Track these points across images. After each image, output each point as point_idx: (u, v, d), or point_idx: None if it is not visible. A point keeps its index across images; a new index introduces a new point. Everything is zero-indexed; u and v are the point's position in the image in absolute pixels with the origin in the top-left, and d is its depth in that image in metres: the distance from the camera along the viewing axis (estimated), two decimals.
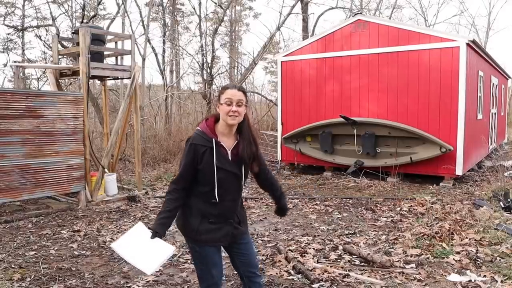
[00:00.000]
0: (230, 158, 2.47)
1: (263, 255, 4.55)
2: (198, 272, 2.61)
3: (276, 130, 11.33)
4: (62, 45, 11.43)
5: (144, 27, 15.77)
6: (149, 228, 2.48)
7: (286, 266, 4.19)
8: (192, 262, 4.35)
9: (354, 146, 9.20)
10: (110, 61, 8.76)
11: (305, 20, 17.21)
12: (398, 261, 4.22)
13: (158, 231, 2.43)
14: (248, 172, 2.60)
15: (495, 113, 12.56)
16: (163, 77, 17.32)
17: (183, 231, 2.59)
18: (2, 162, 5.85)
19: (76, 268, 4.26)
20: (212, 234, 2.50)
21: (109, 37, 8.15)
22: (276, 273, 4.03)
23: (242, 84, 17.06)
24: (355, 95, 9.34)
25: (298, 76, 10.15)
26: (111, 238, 5.22)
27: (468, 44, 8.18)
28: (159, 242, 2.42)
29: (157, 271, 4.12)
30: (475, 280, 3.77)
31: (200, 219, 2.49)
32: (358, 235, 5.29)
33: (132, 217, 6.30)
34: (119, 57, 8.19)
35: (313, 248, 4.70)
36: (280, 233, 5.42)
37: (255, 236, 5.28)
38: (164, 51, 19.06)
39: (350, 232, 5.41)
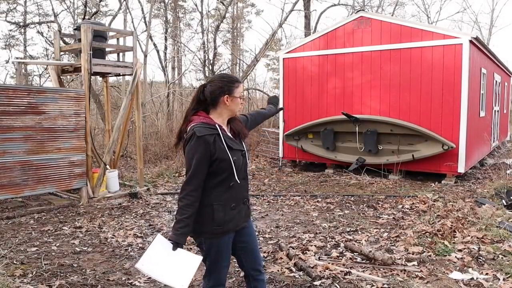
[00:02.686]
0: (233, 138, 2.54)
1: (264, 252, 4.55)
2: (207, 271, 2.55)
3: (278, 127, 11.32)
4: (64, 42, 11.42)
5: (146, 24, 15.75)
6: (169, 240, 2.37)
7: (288, 263, 4.18)
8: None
9: (356, 143, 9.18)
10: (112, 57, 8.75)
11: (307, 17, 17.17)
12: (400, 258, 4.21)
13: (180, 242, 2.35)
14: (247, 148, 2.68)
15: (497, 111, 12.52)
16: (165, 74, 17.33)
17: (206, 232, 2.46)
18: (4, 158, 5.86)
19: (77, 264, 4.27)
20: (236, 220, 2.50)
21: (111, 33, 8.14)
22: (278, 270, 4.02)
23: (244, 81, 17.06)
24: (357, 92, 9.32)
25: (300, 73, 10.12)
26: (113, 235, 5.23)
27: (471, 41, 8.14)
28: (183, 253, 2.34)
29: None
30: (477, 278, 3.76)
31: (222, 210, 2.43)
32: (359, 232, 5.28)
33: (133, 214, 6.31)
34: (121, 54, 8.18)
35: (315, 246, 4.69)
36: (281, 230, 5.42)
37: (257, 233, 5.27)
38: (166, 47, 19.04)
39: (351, 229, 5.40)
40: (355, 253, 4.40)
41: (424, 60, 8.50)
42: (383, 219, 5.85)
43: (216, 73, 16.18)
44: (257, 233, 5.25)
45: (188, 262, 2.33)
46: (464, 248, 4.46)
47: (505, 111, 14.70)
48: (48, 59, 15.32)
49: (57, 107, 6.39)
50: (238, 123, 2.62)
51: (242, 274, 2.98)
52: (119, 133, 7.86)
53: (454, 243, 4.63)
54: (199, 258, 2.39)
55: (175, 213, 2.47)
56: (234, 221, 2.49)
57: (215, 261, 2.51)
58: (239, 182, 2.47)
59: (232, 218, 2.48)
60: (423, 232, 4.94)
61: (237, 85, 2.50)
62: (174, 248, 2.33)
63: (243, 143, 2.60)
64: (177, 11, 21.24)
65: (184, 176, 2.52)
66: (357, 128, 9.04)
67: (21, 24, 16.99)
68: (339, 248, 4.63)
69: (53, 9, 15.00)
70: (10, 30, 17.82)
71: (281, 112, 10.55)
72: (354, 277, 3.82)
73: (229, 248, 2.55)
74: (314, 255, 4.38)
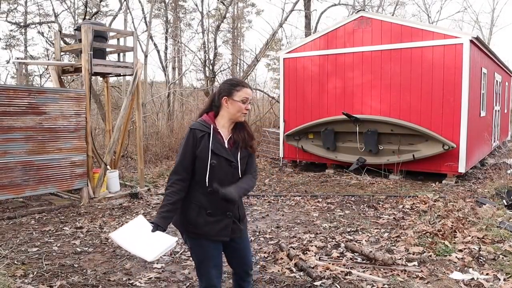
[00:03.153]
0: (226, 146, 2.49)
1: (265, 253, 4.55)
2: (197, 271, 2.57)
3: (278, 127, 11.32)
4: (65, 42, 11.44)
5: (146, 24, 15.76)
6: (150, 222, 2.41)
7: (288, 263, 4.19)
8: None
9: (356, 143, 9.18)
10: (112, 57, 8.76)
11: (307, 17, 17.16)
12: (400, 259, 4.21)
13: (160, 225, 2.37)
14: (245, 163, 2.55)
15: (498, 110, 12.51)
16: (165, 74, 17.34)
17: (181, 226, 2.54)
18: (5, 158, 5.87)
19: (78, 264, 4.28)
20: (210, 227, 2.45)
21: (111, 33, 8.15)
22: (278, 271, 4.03)
23: (245, 81, 17.06)
24: (358, 92, 9.32)
25: (301, 73, 10.12)
26: None
27: (471, 41, 8.13)
28: (160, 234, 2.36)
29: (159, 268, 4.13)
30: (477, 278, 3.75)
31: (197, 211, 2.46)
32: (360, 232, 5.28)
33: (134, 214, 6.31)
34: (121, 54, 8.19)
35: (315, 246, 4.70)
36: (282, 231, 5.42)
37: (257, 233, 5.28)
38: (166, 48, 19.06)
39: (352, 229, 5.40)
40: (355, 253, 4.40)
41: (424, 60, 8.50)
42: (383, 219, 5.85)
43: (216, 73, 16.21)
44: (257, 234, 5.26)
45: (161, 241, 2.34)
46: (465, 248, 4.46)
47: (505, 111, 14.70)
48: (48, 60, 15.34)
49: (58, 107, 6.40)
50: (242, 133, 2.53)
51: None
52: (119, 133, 7.86)
53: (454, 243, 4.62)
54: (174, 239, 2.38)
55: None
56: (208, 228, 2.45)
57: (200, 261, 2.52)
58: (207, 186, 2.43)
59: (207, 223, 2.45)
60: (424, 232, 4.94)
61: (239, 89, 2.47)
62: (153, 230, 2.36)
63: (238, 155, 2.49)
64: (177, 11, 21.26)
65: None
66: (357, 128, 9.04)
67: (22, 24, 17.01)
68: (339, 249, 4.64)
69: (53, 10, 15.04)
70: (11, 31, 17.86)
71: (281, 112, 10.55)
72: (355, 278, 3.82)
73: (215, 250, 2.53)
74: (315, 256, 4.38)
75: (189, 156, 2.44)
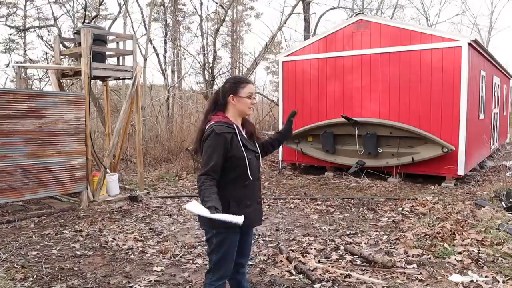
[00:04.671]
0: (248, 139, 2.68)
1: (264, 255, 4.56)
2: (216, 263, 2.59)
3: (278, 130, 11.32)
4: (64, 46, 11.44)
5: (145, 27, 15.78)
6: (206, 207, 2.32)
7: (288, 266, 4.19)
8: (193, 261, 4.36)
9: (355, 146, 9.19)
10: (112, 61, 8.77)
11: (306, 20, 17.20)
12: (399, 261, 4.22)
13: (217, 207, 2.31)
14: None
15: (497, 113, 12.54)
16: (164, 77, 17.35)
17: (220, 226, 2.46)
18: (4, 162, 5.87)
19: (78, 268, 4.28)
20: (251, 218, 2.60)
21: (110, 37, 8.16)
22: (278, 273, 4.03)
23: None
24: (357, 95, 9.34)
25: (300, 76, 10.15)
26: (113, 238, 5.24)
27: (470, 44, 8.17)
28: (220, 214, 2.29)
29: (159, 271, 4.14)
30: (476, 281, 3.76)
31: (237, 206, 2.55)
32: (359, 235, 5.29)
33: (134, 217, 6.32)
34: (120, 58, 8.20)
35: (315, 248, 4.70)
36: (281, 233, 5.42)
37: (257, 236, 5.28)
38: (165, 51, 19.08)
39: (351, 232, 5.41)
40: (355, 256, 4.41)
41: (423, 63, 8.53)
42: (383, 222, 5.86)
43: (215, 77, 16.23)
44: (257, 236, 5.26)
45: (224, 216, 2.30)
46: (464, 251, 4.46)
47: (504, 114, 14.73)
48: (48, 63, 15.36)
49: (57, 111, 6.40)
50: (252, 126, 2.77)
51: None
52: (119, 137, 7.86)
53: (453, 245, 4.63)
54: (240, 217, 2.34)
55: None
56: (251, 218, 2.59)
57: (224, 256, 2.58)
58: (252, 180, 2.59)
59: (248, 215, 2.53)
60: (423, 234, 4.95)
61: (243, 86, 2.62)
62: (212, 212, 2.27)
63: (257, 146, 2.75)
64: (176, 15, 21.32)
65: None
66: (356, 131, 9.06)
67: (21, 28, 17.05)
68: (339, 251, 4.64)
69: (53, 13, 15.01)
70: (10, 34, 17.91)
71: (281, 115, 10.56)
72: (354, 280, 3.83)
73: (234, 250, 2.63)
74: (314, 258, 4.39)
75: (220, 161, 2.50)
